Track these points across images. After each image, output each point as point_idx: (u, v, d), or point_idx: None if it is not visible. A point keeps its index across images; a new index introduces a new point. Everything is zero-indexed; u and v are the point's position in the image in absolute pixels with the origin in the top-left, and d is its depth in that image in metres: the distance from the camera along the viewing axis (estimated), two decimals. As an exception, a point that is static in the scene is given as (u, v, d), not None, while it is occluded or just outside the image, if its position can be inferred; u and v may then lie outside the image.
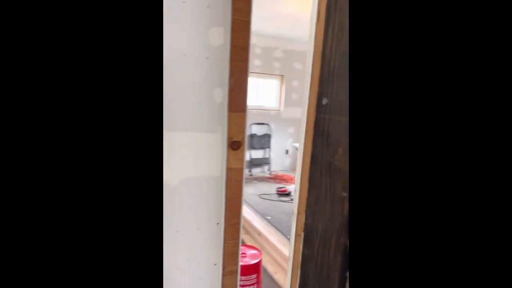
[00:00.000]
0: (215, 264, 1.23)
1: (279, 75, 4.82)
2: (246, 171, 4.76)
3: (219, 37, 1.06)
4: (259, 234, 2.55)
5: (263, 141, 4.79)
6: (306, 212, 0.76)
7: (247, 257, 1.94)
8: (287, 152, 5.13)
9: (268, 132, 4.85)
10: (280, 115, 4.95)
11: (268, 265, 2.21)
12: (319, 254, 0.73)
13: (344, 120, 0.66)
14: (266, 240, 2.41)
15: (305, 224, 0.77)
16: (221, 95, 1.12)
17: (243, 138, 1.22)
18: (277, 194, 3.89)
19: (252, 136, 4.69)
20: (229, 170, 1.19)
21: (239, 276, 1.28)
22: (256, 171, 4.84)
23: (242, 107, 1.19)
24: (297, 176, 0.77)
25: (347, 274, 0.66)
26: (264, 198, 3.72)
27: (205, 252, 1.20)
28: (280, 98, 4.93)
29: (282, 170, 5.11)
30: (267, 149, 4.86)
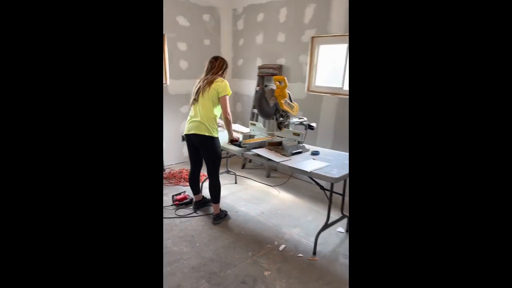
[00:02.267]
0: None
1: (157, 34, 3.43)
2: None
3: None
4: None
5: (147, 128, 3.46)
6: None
7: None
8: (183, 138, 3.93)
9: (153, 116, 3.52)
10: (167, 91, 3.65)
11: None
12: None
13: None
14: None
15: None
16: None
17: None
18: (174, 205, 2.76)
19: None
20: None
21: None
22: (143, 170, 3.52)
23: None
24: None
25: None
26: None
27: None
28: (164, 67, 3.60)
29: (180, 163, 3.93)
30: (155, 139, 3.56)
